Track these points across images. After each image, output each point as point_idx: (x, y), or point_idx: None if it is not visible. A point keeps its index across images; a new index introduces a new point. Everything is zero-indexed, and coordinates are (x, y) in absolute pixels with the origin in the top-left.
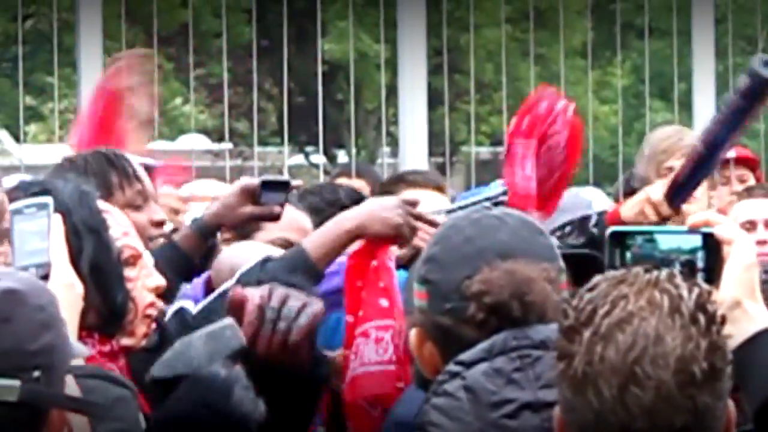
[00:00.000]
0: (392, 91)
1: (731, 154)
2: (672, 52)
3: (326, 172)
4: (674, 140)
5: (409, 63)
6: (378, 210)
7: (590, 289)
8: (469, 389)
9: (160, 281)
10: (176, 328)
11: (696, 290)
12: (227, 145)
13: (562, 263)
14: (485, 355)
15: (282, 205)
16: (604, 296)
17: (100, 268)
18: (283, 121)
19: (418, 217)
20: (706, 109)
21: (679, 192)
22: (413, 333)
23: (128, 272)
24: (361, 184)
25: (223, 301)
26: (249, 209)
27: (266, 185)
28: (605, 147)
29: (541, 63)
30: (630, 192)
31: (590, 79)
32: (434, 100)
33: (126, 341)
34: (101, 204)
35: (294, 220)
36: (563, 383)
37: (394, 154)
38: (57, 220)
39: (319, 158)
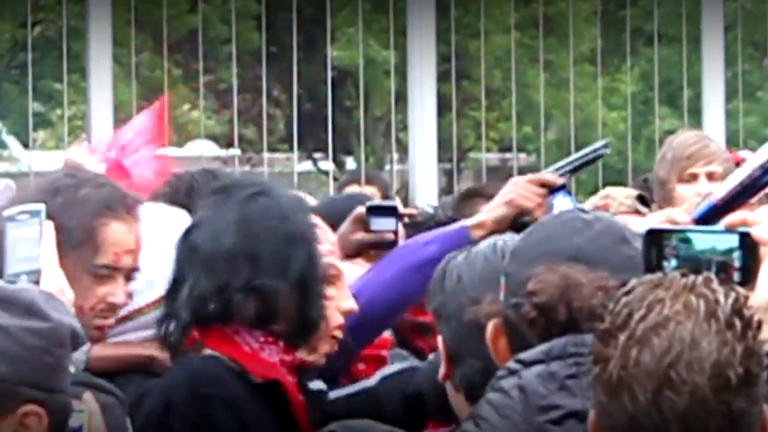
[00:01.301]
0: (401, 97)
1: (746, 156)
2: (681, 59)
3: (335, 179)
4: (700, 146)
5: (418, 69)
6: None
7: (626, 293)
8: (522, 389)
9: (354, 306)
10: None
11: (732, 295)
12: (236, 152)
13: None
14: (543, 357)
15: (395, 232)
16: (640, 300)
17: (305, 280)
18: (291, 127)
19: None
20: (714, 115)
21: (719, 215)
22: (491, 325)
23: (328, 290)
24: (372, 191)
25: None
26: (360, 236)
27: (373, 210)
28: (614, 153)
29: (549, 69)
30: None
31: (599, 86)
32: (443, 106)
33: (308, 356)
34: (314, 217)
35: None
36: (598, 387)
37: (403, 160)
38: (49, 227)
39: (328, 165)
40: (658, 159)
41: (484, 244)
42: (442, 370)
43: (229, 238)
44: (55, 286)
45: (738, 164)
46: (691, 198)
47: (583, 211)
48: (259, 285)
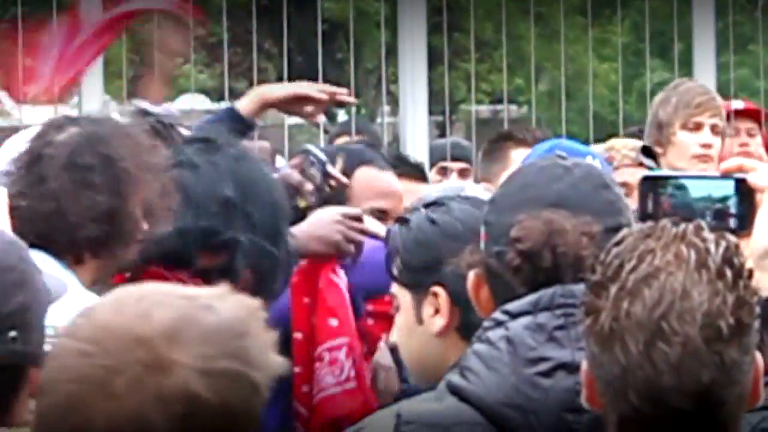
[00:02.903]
0: (392, 50)
1: (739, 105)
2: (672, 10)
3: (326, 132)
4: (709, 98)
5: (408, 21)
6: (315, 228)
7: (617, 244)
8: (509, 341)
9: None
10: None
11: (723, 244)
12: (227, 105)
13: (624, 219)
14: (530, 308)
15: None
16: (630, 251)
17: (287, 255)
18: (282, 80)
19: (361, 231)
20: (705, 67)
21: None
22: (471, 275)
23: None
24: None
25: None
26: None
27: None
28: (605, 104)
29: (540, 21)
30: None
31: (590, 37)
32: (434, 58)
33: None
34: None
35: (387, 185)
36: (590, 338)
37: (394, 113)
38: (2, 191)
39: (319, 117)
40: (657, 101)
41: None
42: None
43: (228, 189)
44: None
45: (751, 113)
46: (693, 147)
47: (561, 157)
48: (249, 242)
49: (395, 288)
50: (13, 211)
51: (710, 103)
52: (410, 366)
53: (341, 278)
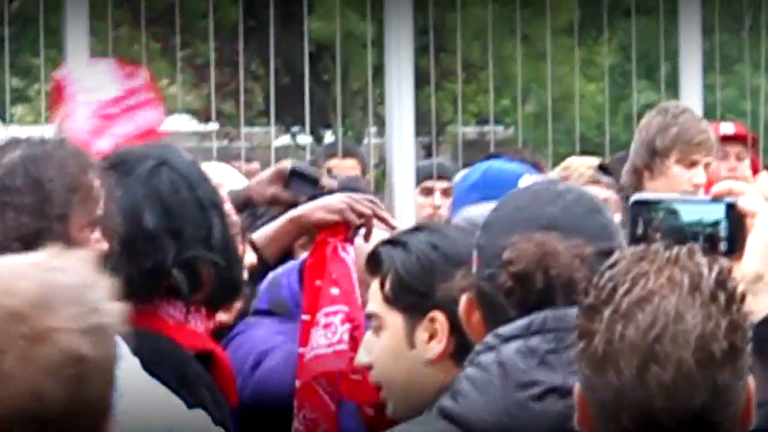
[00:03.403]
0: (379, 70)
1: (729, 130)
2: (658, 31)
3: (312, 153)
4: (707, 136)
5: (395, 42)
6: (320, 201)
7: (610, 267)
8: (501, 364)
9: (254, 259)
10: None
11: (716, 267)
12: (213, 126)
13: (616, 242)
14: (522, 332)
15: (310, 199)
16: (624, 274)
17: (226, 245)
18: (269, 101)
19: (371, 209)
20: (692, 88)
21: None
22: (463, 299)
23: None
24: (352, 164)
25: None
26: (274, 189)
27: (296, 175)
28: (591, 125)
29: (527, 42)
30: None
31: (577, 58)
32: (421, 79)
33: (224, 317)
34: (213, 175)
35: None
36: (583, 362)
37: (381, 134)
38: None
39: (306, 139)
40: (655, 125)
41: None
42: None
43: (147, 217)
44: None
45: (745, 138)
46: (685, 183)
47: (553, 181)
48: (189, 258)
49: (379, 309)
50: None
51: (708, 142)
52: (393, 391)
53: (349, 254)
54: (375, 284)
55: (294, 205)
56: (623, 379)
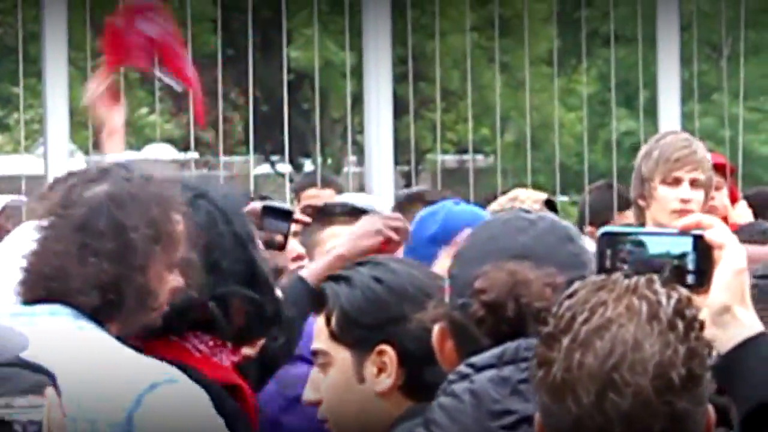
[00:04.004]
0: (358, 99)
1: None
2: (637, 60)
3: (291, 181)
4: (689, 152)
5: (374, 71)
6: (355, 230)
7: (569, 296)
8: (474, 394)
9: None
10: None
11: (674, 296)
12: (193, 155)
13: (588, 271)
14: (495, 361)
15: (285, 235)
16: (582, 303)
17: (264, 279)
18: (248, 130)
19: (390, 218)
20: (670, 116)
21: None
22: (436, 329)
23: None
24: (329, 194)
25: None
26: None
27: (269, 211)
28: (571, 154)
29: (506, 71)
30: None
31: (556, 87)
32: (400, 108)
33: (249, 350)
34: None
35: None
36: (542, 390)
37: (360, 162)
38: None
39: (285, 167)
40: (641, 154)
41: None
42: None
43: None
44: None
45: (723, 168)
46: (672, 202)
47: (525, 211)
48: (226, 293)
49: (326, 345)
50: (29, 268)
51: (690, 157)
52: (343, 426)
53: None
54: (320, 321)
55: (270, 244)
56: (582, 407)
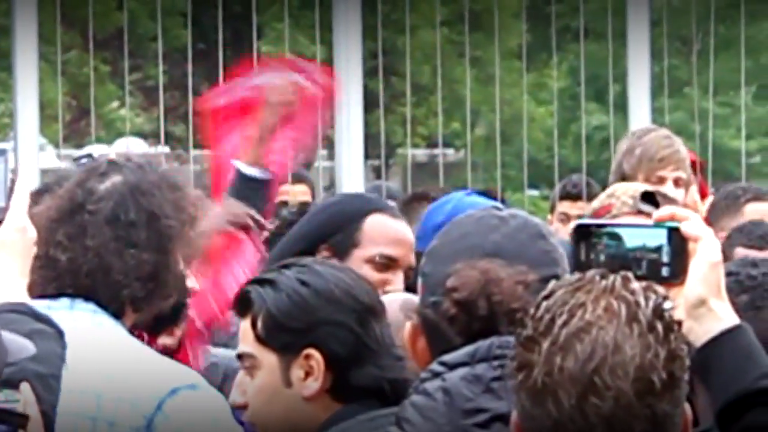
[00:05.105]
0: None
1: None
2: (608, 54)
3: None
4: (672, 151)
5: (344, 65)
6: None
7: (547, 297)
8: (446, 392)
9: (195, 284)
10: None
11: (653, 297)
12: (164, 149)
13: (560, 269)
14: (467, 359)
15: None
16: (561, 305)
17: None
18: None
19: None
20: (641, 111)
21: None
22: (408, 326)
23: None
24: (301, 189)
25: None
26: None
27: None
28: (541, 149)
29: (476, 65)
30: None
31: (526, 81)
32: (370, 102)
33: (166, 340)
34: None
35: (400, 233)
36: (522, 393)
37: (331, 157)
38: (26, 169)
39: None
40: (622, 151)
41: None
42: None
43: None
44: (19, 224)
45: (694, 164)
46: None
47: (497, 208)
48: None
49: (252, 349)
50: (52, 263)
51: (674, 156)
52: (270, 430)
53: None
54: (245, 324)
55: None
56: (563, 410)
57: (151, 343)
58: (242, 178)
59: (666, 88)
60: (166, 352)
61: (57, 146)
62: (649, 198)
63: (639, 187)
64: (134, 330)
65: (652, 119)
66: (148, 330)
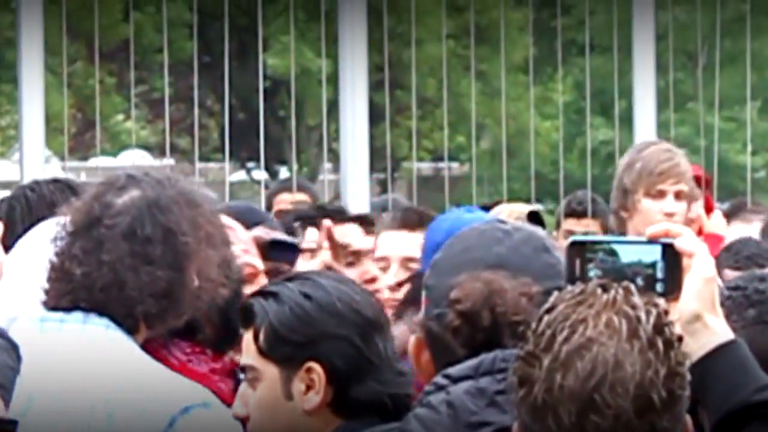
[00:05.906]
0: (334, 106)
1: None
2: (613, 68)
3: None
4: (672, 164)
5: (350, 78)
6: None
7: (548, 311)
8: (450, 405)
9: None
10: None
11: (653, 312)
12: (169, 161)
13: (564, 282)
14: (471, 372)
15: (291, 264)
16: (563, 320)
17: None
18: (224, 136)
19: None
20: (646, 125)
21: None
22: (413, 339)
23: (246, 289)
24: (303, 198)
25: None
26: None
27: (276, 244)
28: (546, 163)
29: (482, 79)
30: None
31: (531, 95)
32: (376, 115)
33: (236, 357)
34: (224, 218)
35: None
36: (523, 408)
37: (336, 170)
38: None
39: (261, 174)
40: (623, 165)
41: None
42: None
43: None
44: None
45: (698, 179)
46: (656, 215)
47: (501, 221)
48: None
49: (254, 361)
50: (67, 276)
51: (674, 170)
52: None
53: None
54: (248, 336)
55: (276, 273)
56: (563, 427)
57: (215, 359)
58: None
59: (671, 102)
60: (241, 368)
61: (62, 158)
62: (535, 218)
63: (523, 208)
64: (195, 347)
65: (658, 133)
66: (212, 347)
